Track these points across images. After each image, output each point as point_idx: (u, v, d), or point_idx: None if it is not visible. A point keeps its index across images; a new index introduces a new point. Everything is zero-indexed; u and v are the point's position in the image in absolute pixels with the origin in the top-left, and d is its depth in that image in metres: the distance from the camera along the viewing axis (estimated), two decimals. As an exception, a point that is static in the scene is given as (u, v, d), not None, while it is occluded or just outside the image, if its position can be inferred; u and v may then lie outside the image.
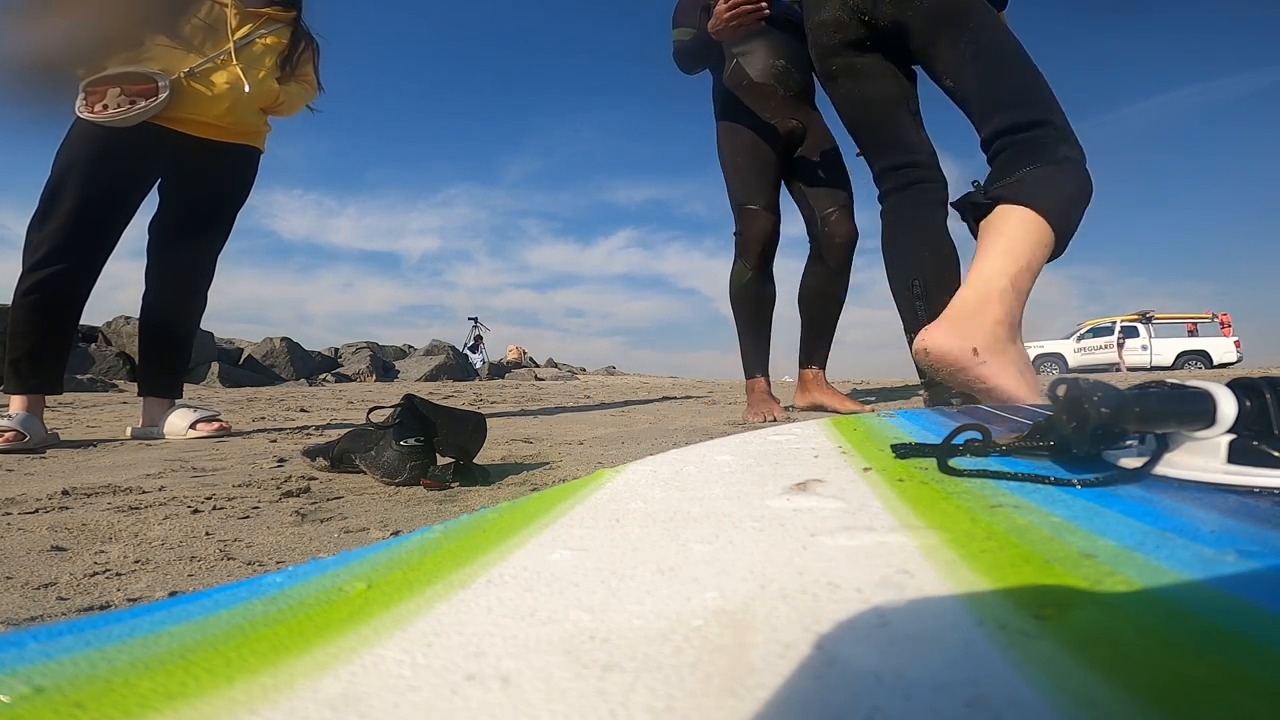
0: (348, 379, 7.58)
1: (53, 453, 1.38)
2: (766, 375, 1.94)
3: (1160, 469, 0.36)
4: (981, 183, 1.07)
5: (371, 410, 0.99)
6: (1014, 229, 0.97)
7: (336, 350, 8.89)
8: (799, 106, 1.91)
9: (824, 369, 2.01)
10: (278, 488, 0.89)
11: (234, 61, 1.65)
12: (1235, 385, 0.35)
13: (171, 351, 1.77)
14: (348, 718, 0.18)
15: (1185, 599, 0.21)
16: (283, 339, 7.70)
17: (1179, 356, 13.45)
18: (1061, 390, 0.38)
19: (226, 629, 0.24)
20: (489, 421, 1.01)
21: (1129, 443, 0.39)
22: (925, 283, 1.33)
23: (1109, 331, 14.16)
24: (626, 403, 2.88)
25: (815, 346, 2.01)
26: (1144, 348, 13.76)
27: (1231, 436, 0.34)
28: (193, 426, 1.65)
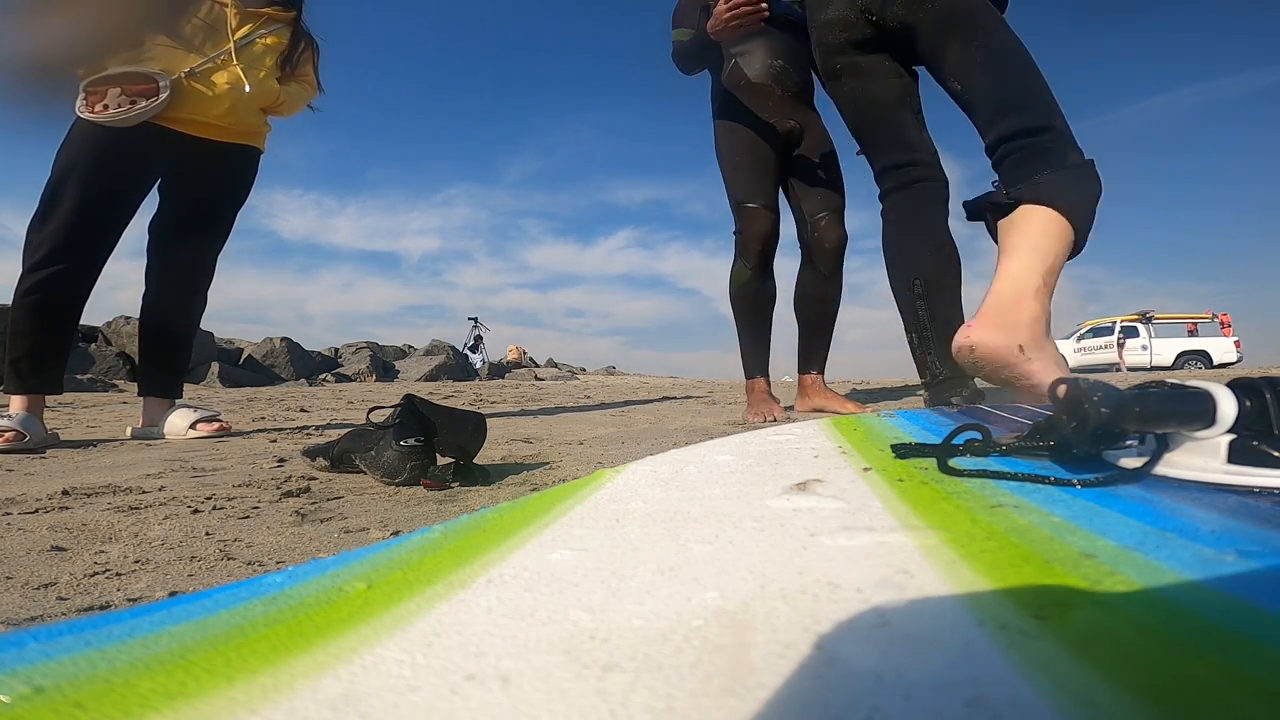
0: (348, 379, 7.58)
1: (53, 453, 1.38)
2: (767, 376, 1.94)
3: (1160, 469, 0.36)
4: (1000, 184, 1.08)
5: (371, 410, 0.99)
6: (1039, 228, 0.98)
7: (336, 350, 8.90)
8: (797, 107, 1.91)
9: (823, 373, 2.01)
10: (278, 488, 0.89)
11: (234, 61, 1.65)
12: (1235, 385, 0.35)
13: (171, 351, 1.77)
14: (348, 718, 0.18)
15: (1185, 599, 0.21)
16: (283, 339, 7.70)
17: (1179, 356, 13.45)
18: (1061, 390, 0.38)
19: (226, 629, 0.24)
20: (489, 421, 1.01)
21: (1129, 443, 0.39)
22: (926, 282, 1.33)
23: (1109, 331, 14.16)
24: (626, 403, 2.88)
25: (813, 351, 2.01)
26: (1144, 348, 13.76)
27: (1231, 436, 0.34)
28: (193, 426, 1.65)
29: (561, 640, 0.22)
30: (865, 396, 2.55)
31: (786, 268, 2.01)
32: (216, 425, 1.67)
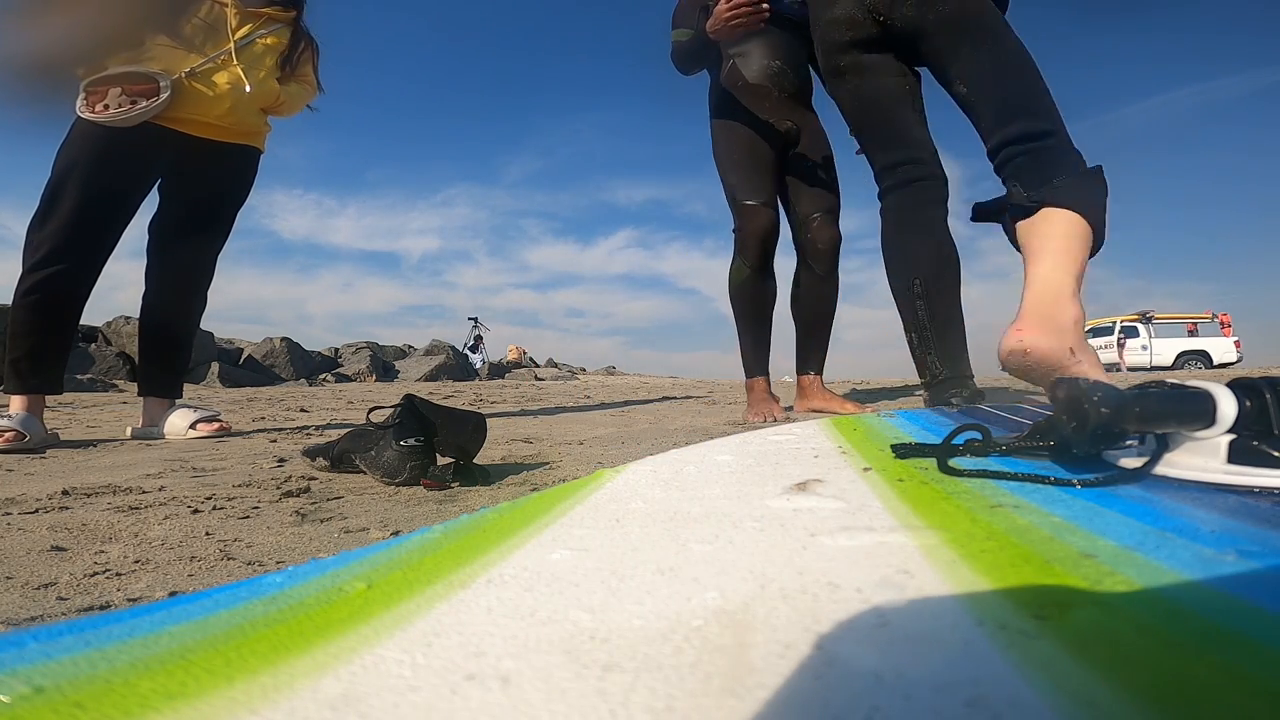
0: (348, 379, 7.58)
1: (53, 453, 1.38)
2: (767, 375, 1.94)
3: (1160, 469, 0.36)
4: (1011, 186, 1.10)
5: (371, 410, 0.99)
6: (1063, 230, 1.00)
7: (336, 350, 8.89)
8: (794, 108, 1.91)
9: (821, 374, 2.01)
10: (278, 488, 0.89)
11: (235, 62, 1.65)
12: (1235, 385, 0.35)
13: (171, 351, 1.77)
14: (348, 718, 0.18)
15: (1185, 599, 0.21)
16: (283, 339, 7.70)
17: (1179, 356, 13.45)
18: (1061, 390, 0.38)
19: (226, 629, 0.24)
20: (489, 421, 1.01)
21: (1129, 443, 0.39)
22: (925, 282, 1.33)
23: (1109, 331, 14.16)
24: (626, 403, 2.88)
25: (811, 352, 2.00)
26: (1144, 348, 13.76)
27: (1231, 436, 0.34)
28: (193, 426, 1.65)
29: (561, 640, 0.22)
30: (865, 396, 2.55)
31: (785, 268, 1.99)
32: (216, 425, 1.67)
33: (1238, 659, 0.18)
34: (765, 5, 1.59)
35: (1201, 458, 0.35)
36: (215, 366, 6.32)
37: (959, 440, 0.44)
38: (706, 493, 0.42)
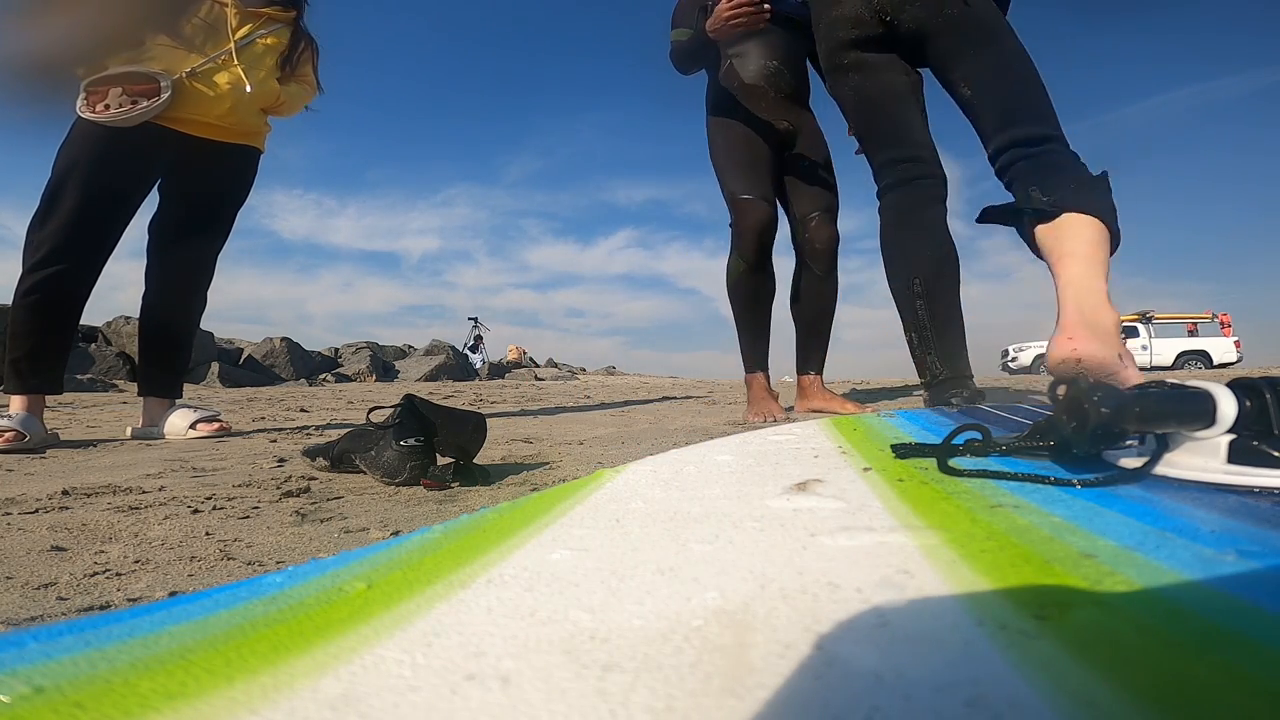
0: (348, 379, 7.58)
1: (53, 453, 1.38)
2: (766, 370, 1.93)
3: (1160, 469, 0.36)
4: (1020, 190, 1.12)
5: (371, 410, 0.99)
6: (1088, 236, 1.01)
7: (336, 350, 8.89)
8: (790, 108, 1.91)
9: (821, 374, 2.01)
10: (278, 488, 0.89)
11: (235, 62, 1.65)
12: (1235, 385, 0.35)
13: (171, 351, 1.77)
14: (348, 718, 0.18)
15: (1185, 599, 0.21)
16: (283, 339, 7.70)
17: (1179, 356, 13.44)
18: (1061, 390, 0.38)
19: (226, 629, 0.24)
20: (489, 421, 1.01)
21: (1129, 443, 0.39)
22: (925, 281, 1.33)
23: (1109, 332, 14.13)
24: (626, 403, 2.88)
25: (811, 352, 2.00)
26: (1144, 348, 13.75)
27: (1231, 436, 0.34)
28: (193, 426, 1.65)
29: (561, 640, 0.22)
30: (865, 396, 2.55)
31: (784, 268, 1.99)
32: (216, 425, 1.67)
33: (1238, 659, 0.18)
34: (767, 6, 1.58)
35: (1201, 458, 0.35)
36: (215, 366, 6.32)
37: (959, 440, 0.44)
38: (706, 493, 0.42)
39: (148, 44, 1.57)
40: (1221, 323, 13.78)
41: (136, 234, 1.70)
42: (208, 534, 0.67)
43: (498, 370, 9.99)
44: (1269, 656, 0.18)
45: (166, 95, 1.55)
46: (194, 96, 1.61)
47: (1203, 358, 13.34)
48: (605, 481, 0.48)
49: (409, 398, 0.94)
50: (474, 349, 12.00)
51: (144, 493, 0.90)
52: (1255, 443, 0.33)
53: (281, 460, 1.18)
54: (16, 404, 1.51)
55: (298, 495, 0.86)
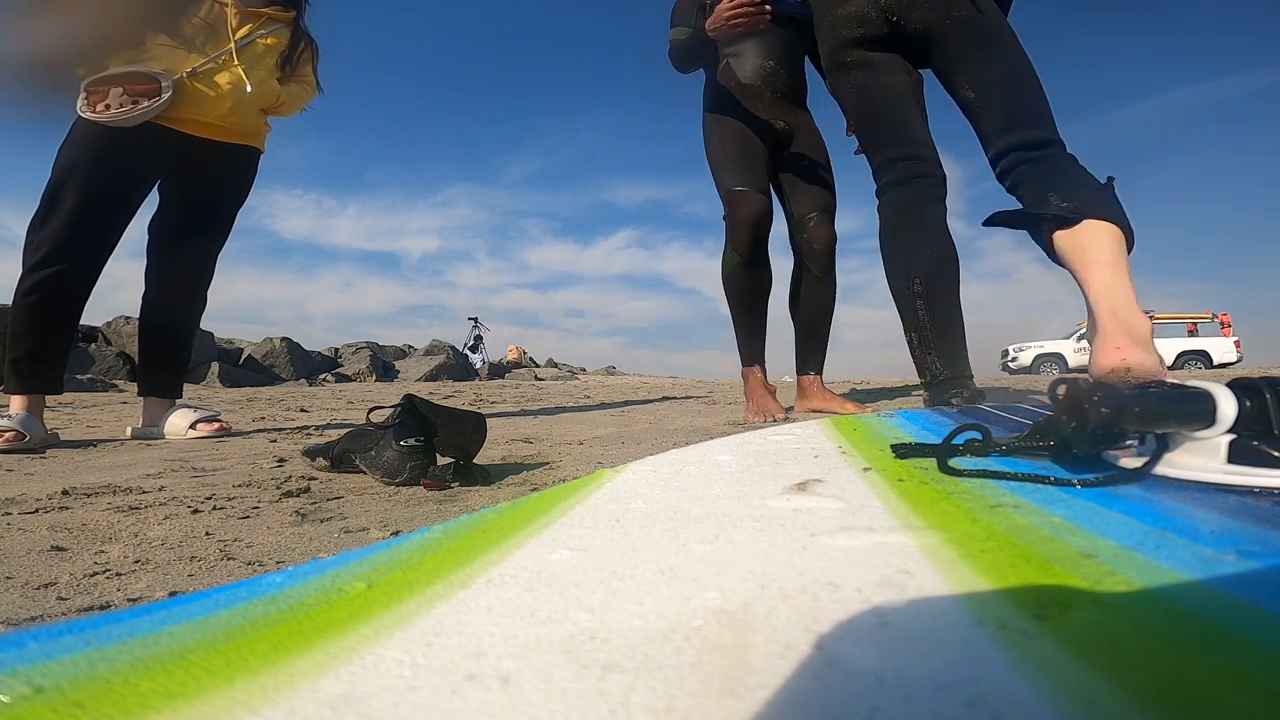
0: (348, 379, 7.58)
1: (53, 453, 1.38)
2: (762, 364, 1.93)
3: (1160, 469, 0.36)
4: (1026, 193, 1.15)
5: (371, 410, 0.99)
6: (1110, 242, 1.05)
7: (336, 350, 8.89)
8: (787, 108, 1.91)
9: (821, 374, 2.01)
10: (278, 488, 0.89)
11: (235, 62, 1.65)
12: (1235, 385, 0.35)
13: (171, 351, 1.77)
14: (348, 718, 0.18)
15: (1185, 599, 0.21)
16: (283, 339, 7.70)
17: (1179, 356, 13.44)
18: (1061, 390, 0.38)
19: (226, 629, 0.24)
20: (489, 421, 1.01)
21: (1129, 443, 0.39)
22: (925, 280, 1.33)
23: (1109, 331, 14.11)
24: (626, 403, 2.88)
25: (810, 352, 2.00)
26: (1144, 347, 13.72)
27: (1231, 436, 0.34)
28: (193, 426, 1.65)
29: (561, 640, 0.22)
30: (865, 396, 2.55)
31: (783, 269, 1.98)
32: (216, 425, 1.67)
33: (1238, 659, 0.18)
34: (768, 8, 1.58)
35: (1201, 458, 0.35)
36: (215, 366, 6.32)
37: (959, 440, 0.44)
38: (706, 493, 0.42)
39: (148, 44, 1.57)
40: (1221, 323, 13.79)
41: (136, 234, 1.70)
42: (208, 534, 0.67)
43: (498, 370, 9.99)
44: (1269, 656, 0.18)
45: (168, 95, 1.55)
46: (195, 96, 1.61)
47: (1203, 358, 13.34)
48: (605, 481, 0.48)
49: (409, 398, 0.94)
50: (474, 349, 12.00)
51: (144, 493, 0.90)
52: (1255, 443, 0.33)
53: (281, 460, 1.18)
54: (16, 404, 1.51)
55: (298, 495, 0.86)
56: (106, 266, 1.62)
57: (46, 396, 1.57)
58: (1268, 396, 0.33)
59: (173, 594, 0.50)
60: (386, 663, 0.21)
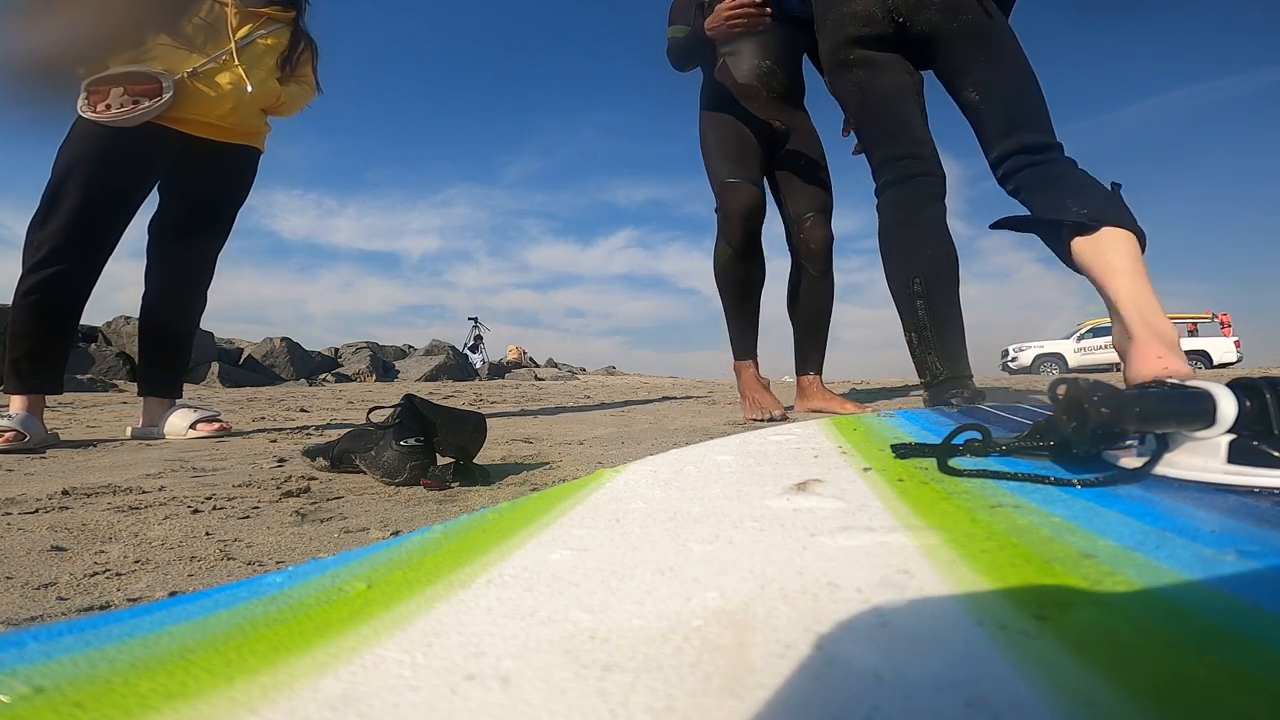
0: (348, 379, 7.58)
1: (53, 453, 1.38)
2: (755, 358, 1.92)
3: (1160, 469, 0.36)
4: (1032, 197, 1.18)
5: (371, 410, 0.99)
6: (1129, 250, 1.08)
7: (336, 350, 8.89)
8: (783, 108, 1.90)
9: (821, 374, 2.01)
10: (278, 488, 0.89)
11: (236, 62, 1.65)
12: (1235, 385, 0.35)
13: (171, 351, 1.77)
14: (348, 718, 0.18)
15: (1185, 599, 0.21)
16: (283, 339, 7.70)
17: (1179, 356, 13.42)
18: (1061, 390, 0.38)
19: (226, 629, 0.24)
20: (489, 421, 1.01)
21: (1129, 443, 0.39)
22: (925, 280, 1.33)
23: (1109, 332, 14.11)
24: (626, 403, 2.88)
25: (809, 352, 2.00)
26: (1144, 348, 13.71)
27: (1231, 436, 0.34)
28: (193, 426, 1.65)
29: (561, 640, 0.22)
30: (865, 396, 2.55)
31: (780, 268, 1.98)
32: (216, 425, 1.67)
33: (1238, 659, 0.18)
34: (768, 10, 1.58)
35: (1201, 458, 0.35)
36: (215, 366, 6.32)
37: (959, 440, 0.44)
38: (706, 493, 0.42)
39: (149, 44, 1.57)
40: (1221, 323, 13.79)
41: (136, 234, 1.70)
42: (208, 534, 0.67)
43: (498, 370, 9.99)
44: (1269, 656, 0.18)
45: (169, 95, 1.55)
46: (196, 96, 1.61)
47: (1203, 358, 13.34)
48: (605, 481, 0.48)
49: (409, 398, 0.94)
50: (474, 349, 12.01)
51: (144, 493, 0.90)
52: (1255, 443, 0.33)
53: (281, 460, 1.18)
54: (16, 404, 1.51)
55: (298, 495, 0.86)
56: (106, 266, 1.62)
57: (46, 396, 1.57)
58: (1268, 396, 0.33)
59: (173, 594, 0.50)
60: (386, 663, 0.21)
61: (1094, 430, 0.35)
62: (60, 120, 1.51)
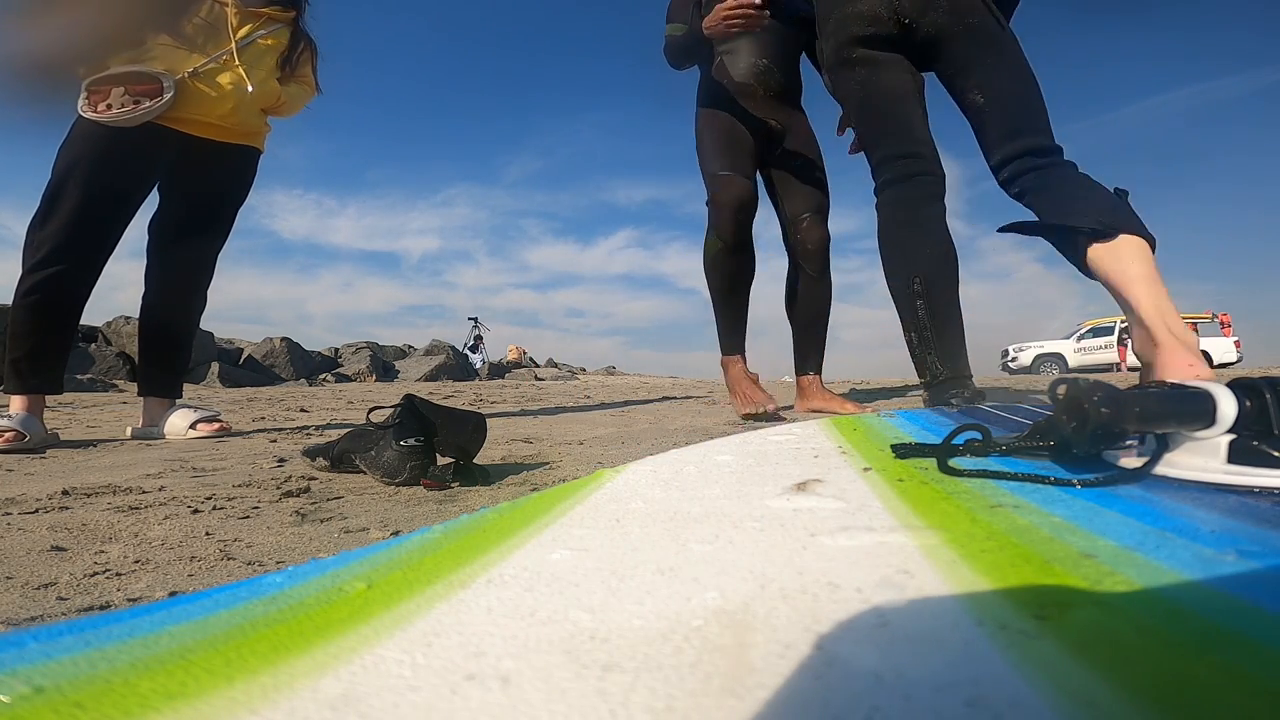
0: (348, 379, 7.58)
1: (53, 453, 1.38)
2: (743, 353, 1.92)
3: (1160, 469, 0.36)
4: (1035, 199, 1.20)
5: (371, 410, 0.99)
6: (1144, 256, 1.10)
7: (336, 350, 8.89)
8: (779, 107, 1.90)
9: (820, 374, 2.01)
10: (278, 488, 0.89)
11: (236, 62, 1.65)
12: (1235, 385, 0.35)
13: (171, 351, 1.77)
14: (348, 718, 0.18)
15: (1185, 599, 0.21)
16: (283, 339, 7.70)
17: (1179, 356, 13.41)
18: (1061, 390, 0.38)
19: (226, 629, 0.24)
20: (489, 421, 1.01)
21: (1129, 443, 0.39)
22: (925, 280, 1.33)
23: (1109, 331, 14.15)
24: (626, 403, 2.88)
25: (808, 352, 2.00)
26: (1144, 348, 13.70)
27: (1231, 436, 0.34)
28: (193, 426, 1.65)
29: (561, 640, 0.22)
30: (865, 396, 2.55)
31: (779, 268, 1.98)
32: (216, 425, 1.67)
33: (1238, 659, 0.18)
34: (767, 11, 1.58)
35: (1201, 458, 0.35)
36: (215, 366, 6.32)
37: (959, 440, 0.44)
38: (706, 493, 0.42)
39: (149, 44, 1.57)
40: (1221, 323, 13.79)
41: (136, 234, 1.70)
42: (208, 534, 0.67)
43: (498, 370, 9.99)
44: (1269, 656, 0.18)
45: (170, 95, 1.55)
46: (196, 96, 1.61)
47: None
48: (605, 481, 0.48)
49: (409, 398, 0.94)
50: (474, 349, 12.01)
51: (144, 493, 0.90)
52: (1255, 443, 0.33)
53: (281, 460, 1.18)
54: (16, 404, 1.51)
55: (298, 495, 0.86)
56: (106, 266, 1.62)
57: (46, 396, 1.57)
58: (1268, 396, 0.33)
59: (173, 594, 0.50)
60: (386, 663, 0.21)
61: (1094, 430, 0.35)
62: (60, 120, 1.51)
